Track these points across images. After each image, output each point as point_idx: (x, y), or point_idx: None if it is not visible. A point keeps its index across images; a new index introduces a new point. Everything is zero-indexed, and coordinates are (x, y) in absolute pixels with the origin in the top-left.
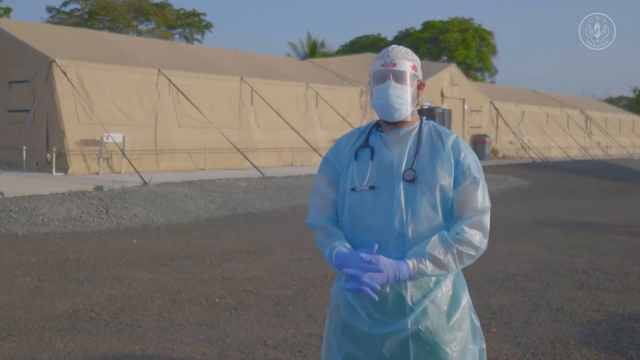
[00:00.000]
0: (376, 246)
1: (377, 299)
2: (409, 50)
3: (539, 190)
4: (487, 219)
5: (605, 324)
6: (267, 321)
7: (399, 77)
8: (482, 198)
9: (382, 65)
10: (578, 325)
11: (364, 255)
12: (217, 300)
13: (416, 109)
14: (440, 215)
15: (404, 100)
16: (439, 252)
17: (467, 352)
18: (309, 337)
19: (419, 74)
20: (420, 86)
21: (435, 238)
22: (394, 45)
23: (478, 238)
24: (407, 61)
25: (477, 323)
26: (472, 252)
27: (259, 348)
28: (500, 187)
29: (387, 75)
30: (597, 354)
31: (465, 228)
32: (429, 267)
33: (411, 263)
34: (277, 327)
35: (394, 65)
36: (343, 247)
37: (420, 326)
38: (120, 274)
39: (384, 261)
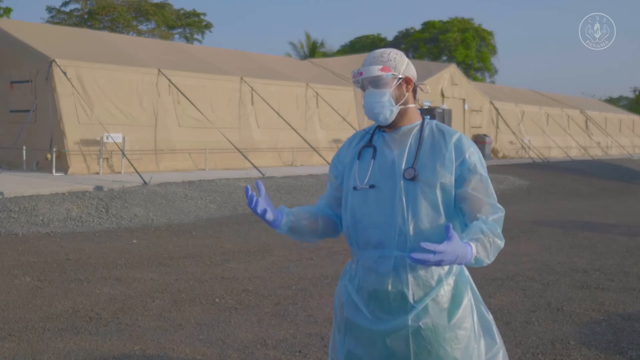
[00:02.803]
0: (451, 226)
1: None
2: (386, 51)
3: (539, 190)
4: (503, 216)
5: (605, 324)
6: (267, 321)
7: (371, 82)
8: (493, 195)
9: (353, 77)
10: (578, 325)
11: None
12: (217, 300)
13: (409, 107)
14: (442, 213)
15: (383, 103)
16: (486, 241)
17: (470, 350)
18: (309, 337)
19: (399, 70)
20: (405, 81)
21: (477, 226)
22: (371, 52)
23: (501, 233)
24: (376, 65)
25: (491, 320)
26: (501, 245)
27: (259, 348)
28: (500, 187)
29: (363, 84)
30: (597, 354)
31: (492, 222)
32: (482, 253)
33: (474, 246)
34: (277, 327)
35: (360, 74)
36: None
37: (420, 323)
38: (120, 274)
39: (457, 239)
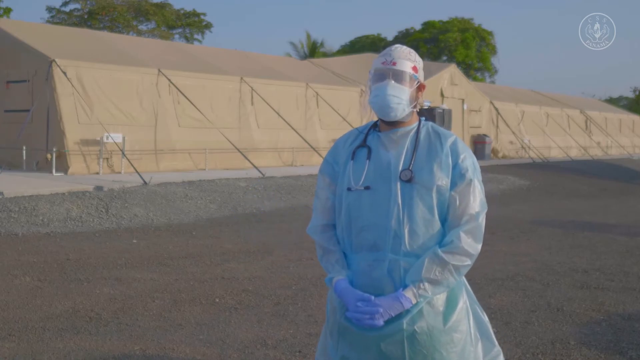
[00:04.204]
0: (373, 298)
1: (382, 324)
2: (412, 50)
3: (539, 190)
4: (483, 224)
5: (605, 324)
6: (267, 321)
7: (398, 76)
8: (479, 202)
9: (383, 63)
10: (578, 325)
11: (360, 304)
12: (217, 300)
13: (415, 110)
14: (436, 216)
15: (401, 100)
16: (435, 274)
17: (467, 354)
18: (309, 337)
19: (420, 75)
20: (420, 88)
21: (428, 260)
22: (397, 45)
23: (473, 245)
24: (408, 61)
25: (487, 322)
26: (468, 262)
27: (259, 348)
28: (500, 187)
29: (386, 73)
30: (597, 354)
31: (462, 235)
32: (429, 289)
33: (410, 293)
34: (277, 327)
35: (394, 64)
36: (342, 276)
37: (415, 327)
38: (120, 274)
39: (383, 303)
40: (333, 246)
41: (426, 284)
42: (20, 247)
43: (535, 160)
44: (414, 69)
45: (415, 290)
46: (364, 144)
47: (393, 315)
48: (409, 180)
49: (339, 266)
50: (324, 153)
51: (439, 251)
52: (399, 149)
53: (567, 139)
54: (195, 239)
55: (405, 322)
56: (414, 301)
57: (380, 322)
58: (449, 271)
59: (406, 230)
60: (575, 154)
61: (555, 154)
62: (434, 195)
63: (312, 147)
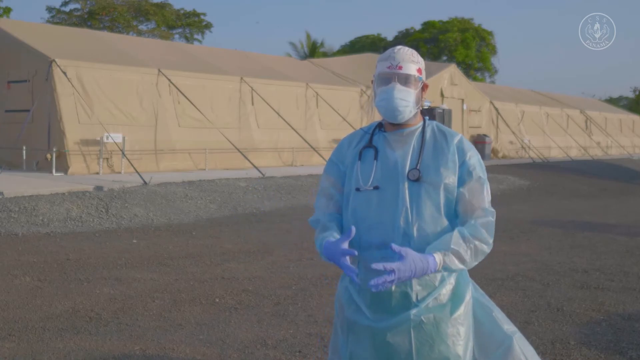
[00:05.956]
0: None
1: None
2: (415, 51)
3: (539, 190)
4: (494, 220)
5: (605, 324)
6: (267, 321)
7: (404, 80)
8: (488, 199)
9: (388, 67)
10: (578, 325)
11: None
12: (217, 300)
13: (419, 109)
14: (443, 213)
15: (408, 103)
16: (462, 248)
17: (470, 348)
18: (309, 337)
19: (423, 75)
20: (424, 88)
21: (456, 233)
22: (400, 47)
23: (489, 237)
24: (413, 64)
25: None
26: (486, 249)
27: (259, 348)
28: (500, 187)
29: (392, 77)
30: (597, 354)
31: (479, 227)
32: (454, 261)
33: (438, 257)
34: (277, 327)
35: (400, 68)
36: (332, 237)
37: (422, 317)
38: (120, 274)
39: (412, 255)
40: (332, 224)
41: (452, 256)
42: (20, 247)
43: (535, 160)
44: (419, 70)
45: (442, 257)
46: (370, 145)
47: (417, 273)
48: (417, 180)
49: (331, 233)
50: (324, 153)
51: (464, 229)
52: (406, 149)
53: (567, 139)
54: (195, 239)
55: (412, 313)
56: (438, 266)
57: (401, 272)
58: (471, 250)
59: (415, 229)
60: (575, 154)
61: (555, 154)
62: (442, 193)
63: (312, 147)
